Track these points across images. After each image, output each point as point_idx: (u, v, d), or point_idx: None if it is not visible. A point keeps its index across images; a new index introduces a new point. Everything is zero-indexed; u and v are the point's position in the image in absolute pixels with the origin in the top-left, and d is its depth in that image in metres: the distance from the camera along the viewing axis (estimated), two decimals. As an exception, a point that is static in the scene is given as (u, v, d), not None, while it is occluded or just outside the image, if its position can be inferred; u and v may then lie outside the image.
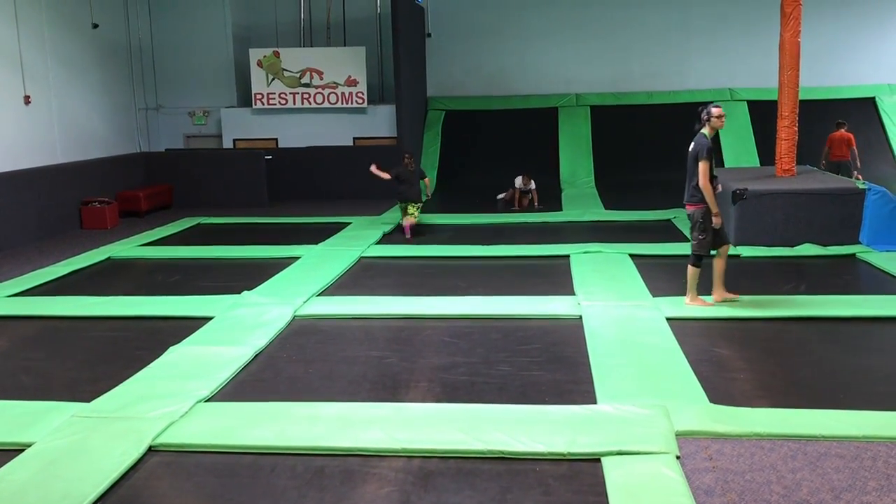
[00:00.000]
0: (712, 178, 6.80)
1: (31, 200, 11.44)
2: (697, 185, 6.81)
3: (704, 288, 7.17)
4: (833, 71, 16.55)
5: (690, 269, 7.04)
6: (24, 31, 11.80)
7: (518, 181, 13.25)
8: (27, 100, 11.83)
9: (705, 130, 6.87)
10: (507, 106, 17.22)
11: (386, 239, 10.88)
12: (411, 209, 11.13)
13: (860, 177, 12.35)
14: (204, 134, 16.66)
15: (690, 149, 6.92)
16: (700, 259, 7.01)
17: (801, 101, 10.74)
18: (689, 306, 7.02)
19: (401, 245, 10.30)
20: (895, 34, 16.75)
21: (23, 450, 4.41)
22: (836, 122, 13.57)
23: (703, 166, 6.72)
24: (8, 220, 10.89)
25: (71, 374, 5.83)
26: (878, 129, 16.11)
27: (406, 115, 15.23)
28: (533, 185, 13.27)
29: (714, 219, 6.83)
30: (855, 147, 13.18)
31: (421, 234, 11.11)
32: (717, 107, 6.88)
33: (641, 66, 17.19)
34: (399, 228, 11.37)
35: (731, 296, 7.14)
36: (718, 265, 7.07)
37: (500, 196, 13.67)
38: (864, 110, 16.18)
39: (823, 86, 16.23)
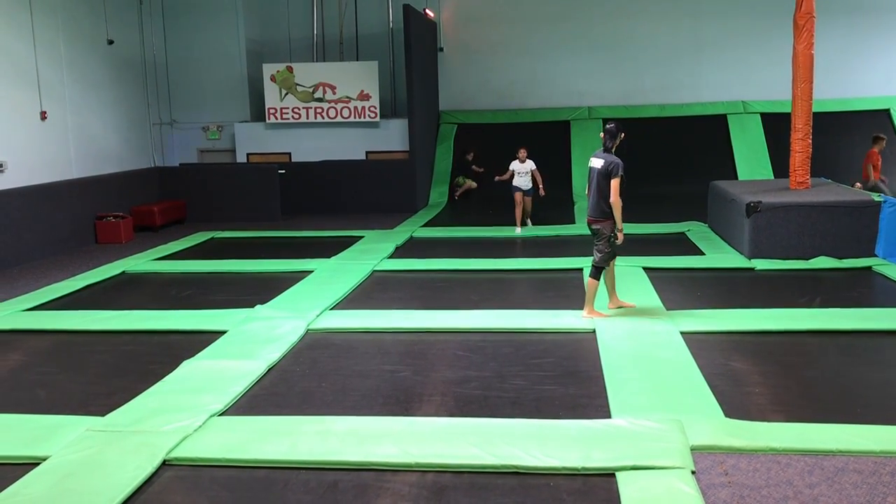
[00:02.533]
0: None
1: (47, 215, 11.54)
2: (607, 200, 6.93)
3: (693, 296, 7.13)
4: (846, 82, 16.49)
5: (590, 282, 7.16)
6: (40, 48, 11.94)
7: (514, 164, 12.36)
8: (43, 115, 11.96)
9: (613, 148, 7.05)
10: (519, 119, 17.25)
11: (398, 252, 10.90)
12: (463, 180, 16.08)
13: (860, 186, 12.17)
14: (217, 148, 16.78)
15: (599, 165, 6.97)
16: (601, 272, 7.14)
17: (815, 114, 10.70)
18: (586, 318, 7.10)
19: (413, 259, 10.31)
20: (909, 45, 16.72)
21: (38, 463, 4.43)
22: (873, 136, 12.81)
23: (616, 183, 6.87)
24: (23, 234, 10.98)
25: (85, 388, 5.86)
26: (892, 140, 16.01)
27: (418, 129, 15.29)
28: (532, 165, 12.29)
29: (619, 234, 7.01)
30: (874, 164, 12.55)
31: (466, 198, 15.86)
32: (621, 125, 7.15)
33: (653, 79, 17.19)
34: (449, 212, 15.01)
35: (627, 304, 7.36)
36: (609, 275, 7.28)
37: (497, 178, 12.99)
38: (878, 122, 16.10)
39: (837, 98, 16.18)
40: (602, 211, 7.02)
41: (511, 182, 12.42)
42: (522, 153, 12.39)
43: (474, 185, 15.98)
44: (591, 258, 7.16)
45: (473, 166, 15.87)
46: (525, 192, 12.37)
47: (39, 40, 11.93)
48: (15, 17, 11.42)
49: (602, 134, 7.14)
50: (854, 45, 16.57)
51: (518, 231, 12.17)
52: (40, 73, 11.91)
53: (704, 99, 17.01)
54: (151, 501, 4.07)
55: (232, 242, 12.42)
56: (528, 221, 12.61)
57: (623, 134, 7.11)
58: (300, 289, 8.68)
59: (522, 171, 12.37)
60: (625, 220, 13.40)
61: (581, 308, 7.53)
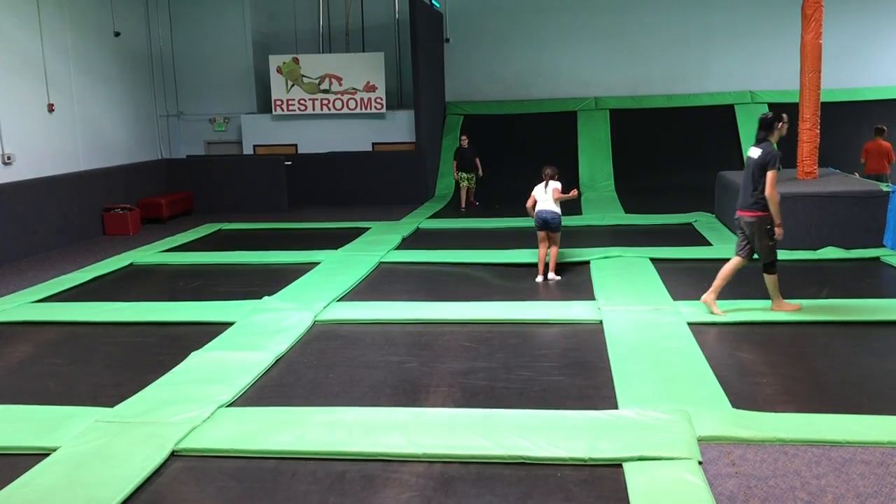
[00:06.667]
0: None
1: (55, 207, 11.58)
2: (761, 192, 6.59)
3: (701, 287, 7.09)
4: (855, 72, 16.39)
5: (768, 278, 6.82)
6: (47, 40, 11.95)
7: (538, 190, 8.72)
8: (51, 108, 11.98)
9: (771, 138, 6.70)
10: (526, 110, 17.22)
11: (405, 244, 10.91)
12: (466, 180, 14.11)
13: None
14: (224, 140, 16.79)
15: (756, 156, 6.67)
16: (774, 265, 6.80)
17: (823, 104, 10.65)
18: (775, 312, 6.81)
19: (420, 250, 10.31)
20: (918, 34, 16.60)
21: (48, 454, 4.46)
22: (874, 127, 12.71)
23: (772, 176, 6.49)
24: (32, 226, 11.02)
25: (94, 380, 5.89)
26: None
27: (425, 120, 15.28)
28: (555, 185, 8.66)
29: (776, 229, 6.63)
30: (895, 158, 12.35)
31: (475, 205, 14.19)
32: (785, 114, 6.76)
33: (660, 69, 17.12)
34: (455, 204, 14.23)
35: (718, 311, 6.90)
36: (728, 271, 6.91)
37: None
38: (888, 112, 16.00)
39: (845, 87, 16.08)
40: (752, 203, 6.66)
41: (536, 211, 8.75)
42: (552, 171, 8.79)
43: (473, 182, 14.20)
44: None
45: (477, 159, 14.09)
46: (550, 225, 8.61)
47: (46, 33, 11.94)
48: (22, 9, 11.42)
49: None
50: (863, 34, 16.45)
51: (540, 279, 8.61)
52: (47, 65, 11.93)
53: (712, 89, 16.95)
54: (160, 492, 4.10)
55: (239, 234, 12.45)
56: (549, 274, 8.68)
57: (780, 123, 6.69)
58: (307, 280, 8.70)
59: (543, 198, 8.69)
60: (632, 211, 13.42)
61: (585, 299, 7.54)
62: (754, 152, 6.75)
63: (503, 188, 15.09)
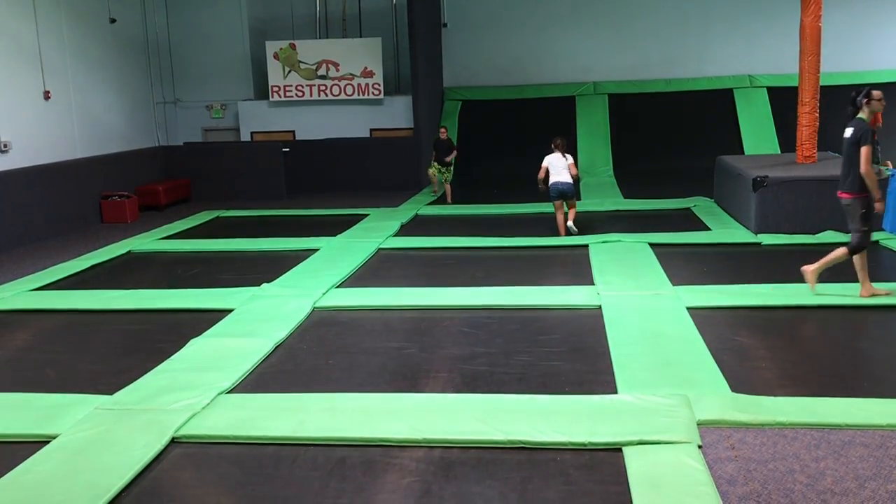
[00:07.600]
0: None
1: (52, 195, 11.55)
2: (857, 172, 6.42)
3: (699, 272, 7.08)
4: (855, 55, 16.32)
5: (857, 260, 6.63)
6: (43, 28, 11.88)
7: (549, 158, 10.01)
8: (47, 95, 11.92)
9: (863, 115, 6.55)
10: (524, 95, 17.15)
11: (404, 230, 10.89)
12: (442, 171, 13.50)
13: (889, 164, 12.11)
14: (222, 127, 16.74)
15: (849, 134, 6.53)
16: (862, 249, 6.62)
17: (823, 87, 10.61)
18: (864, 297, 6.63)
19: (419, 237, 10.30)
20: (918, 17, 16.52)
21: (48, 442, 4.46)
22: None
23: (865, 151, 6.31)
24: (29, 214, 11.00)
25: (94, 367, 5.89)
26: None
27: (422, 106, 15.22)
28: (570, 160, 9.98)
29: (876, 205, 6.48)
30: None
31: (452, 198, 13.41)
32: (877, 90, 6.59)
33: (659, 54, 17.05)
34: (443, 198, 13.52)
35: (881, 291, 6.73)
36: (860, 259, 6.67)
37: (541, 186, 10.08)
38: (888, 95, 15.91)
39: (845, 71, 16.02)
40: (851, 183, 6.48)
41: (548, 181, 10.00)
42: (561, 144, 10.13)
43: (449, 176, 13.67)
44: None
45: (453, 153, 13.62)
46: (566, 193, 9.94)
47: (41, 20, 11.86)
48: (16, -4, 11.36)
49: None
50: (863, 16, 16.38)
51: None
52: (43, 52, 11.86)
53: (710, 73, 16.89)
54: (160, 479, 4.10)
55: (237, 221, 12.43)
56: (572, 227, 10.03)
57: (867, 99, 6.48)
58: (306, 267, 8.69)
59: (559, 167, 9.97)
60: (631, 196, 13.38)
61: (584, 284, 7.53)
62: (847, 132, 6.60)
63: (501, 173, 15.07)
